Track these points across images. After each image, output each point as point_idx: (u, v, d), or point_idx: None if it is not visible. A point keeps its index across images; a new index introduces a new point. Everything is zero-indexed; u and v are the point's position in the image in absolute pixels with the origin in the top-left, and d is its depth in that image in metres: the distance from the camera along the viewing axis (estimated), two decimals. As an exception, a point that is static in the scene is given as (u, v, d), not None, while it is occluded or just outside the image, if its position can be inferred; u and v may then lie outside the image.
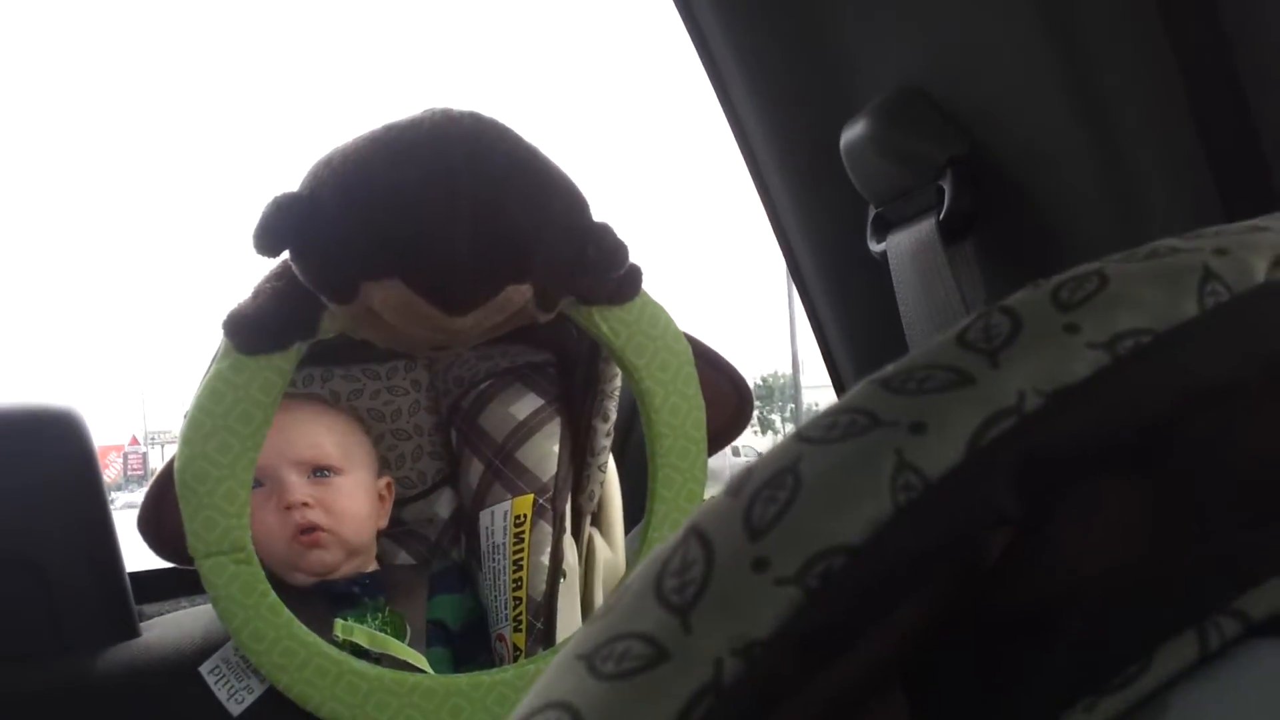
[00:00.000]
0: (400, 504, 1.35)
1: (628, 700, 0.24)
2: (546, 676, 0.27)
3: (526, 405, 1.29)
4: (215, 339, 1.11)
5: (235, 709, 1.09)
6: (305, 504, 1.20)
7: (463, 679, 1.11)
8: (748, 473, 0.27)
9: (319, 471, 1.22)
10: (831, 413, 0.27)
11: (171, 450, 1.18)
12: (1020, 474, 0.25)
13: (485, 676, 1.12)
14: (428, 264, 1.02)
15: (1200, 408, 0.26)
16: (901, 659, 0.25)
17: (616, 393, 1.28)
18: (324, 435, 1.25)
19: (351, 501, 1.23)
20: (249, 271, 1.13)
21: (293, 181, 1.07)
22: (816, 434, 0.27)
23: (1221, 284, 0.27)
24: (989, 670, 0.25)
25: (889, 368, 0.28)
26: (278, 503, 1.19)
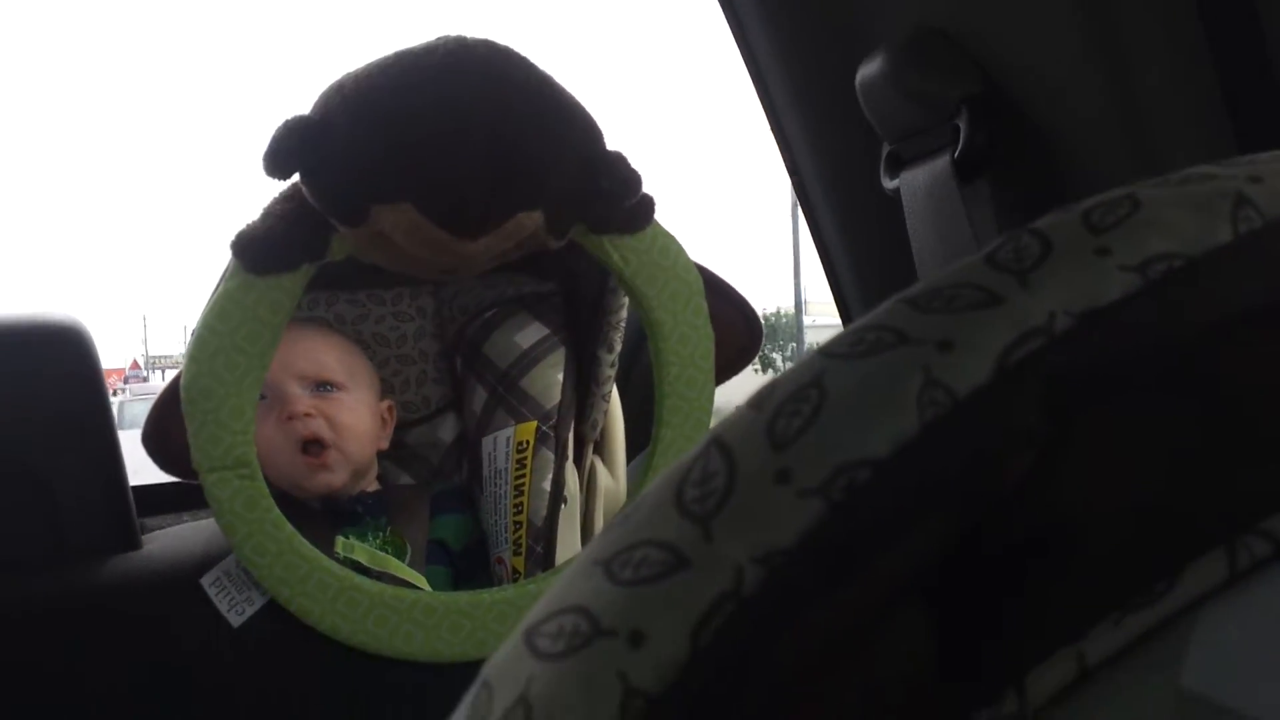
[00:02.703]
0: (403, 427, 1.35)
1: (646, 605, 0.24)
2: (562, 582, 0.27)
3: (531, 334, 1.30)
4: (221, 262, 1.11)
5: (236, 620, 1.10)
6: (308, 414, 1.20)
7: (463, 597, 1.12)
8: (771, 387, 0.27)
9: (322, 386, 1.23)
10: (857, 329, 0.27)
11: (173, 375, 1.18)
12: (1048, 394, 0.25)
13: (486, 595, 1.12)
14: (440, 188, 1.02)
15: (1231, 334, 0.26)
16: (923, 577, 0.25)
17: (622, 323, 1.28)
18: (326, 352, 1.26)
19: (354, 417, 1.24)
20: (254, 195, 1.13)
21: (304, 106, 1.07)
22: (842, 350, 0.26)
23: (1255, 210, 0.27)
24: (1013, 588, 0.25)
25: (916, 286, 0.27)
26: (280, 414, 1.20)
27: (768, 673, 0.24)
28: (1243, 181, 0.28)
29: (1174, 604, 0.23)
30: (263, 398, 1.16)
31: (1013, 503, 0.25)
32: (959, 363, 0.25)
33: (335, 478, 1.21)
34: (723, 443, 0.26)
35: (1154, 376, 0.26)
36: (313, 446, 1.20)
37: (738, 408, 0.27)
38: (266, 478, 1.10)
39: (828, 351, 0.27)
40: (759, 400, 0.27)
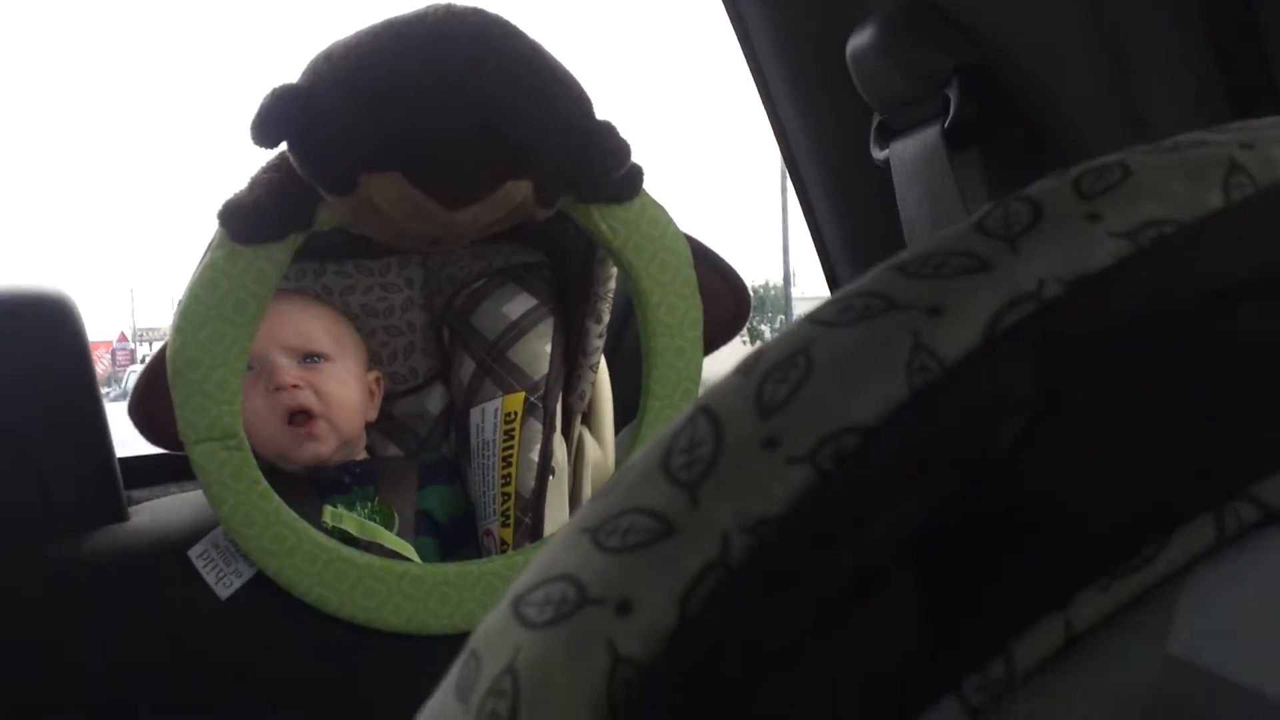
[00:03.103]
0: (391, 399, 1.35)
1: (633, 573, 0.24)
2: (550, 550, 0.26)
3: (519, 305, 1.29)
4: (208, 233, 1.11)
5: (223, 592, 1.10)
6: (295, 386, 1.20)
7: (451, 568, 1.12)
8: (758, 354, 0.27)
9: (309, 358, 1.23)
10: (846, 296, 0.27)
11: (160, 346, 1.17)
12: (1038, 360, 0.25)
13: (474, 566, 1.13)
14: (428, 157, 1.01)
15: (1221, 301, 0.26)
16: (910, 545, 0.25)
17: (610, 294, 1.28)
18: (313, 323, 1.26)
19: (342, 387, 1.23)
20: (241, 167, 1.13)
21: (292, 74, 1.06)
22: (830, 317, 0.26)
23: (1247, 177, 0.27)
24: (998, 554, 0.24)
25: (904, 253, 0.27)
26: (267, 385, 1.20)
27: (755, 641, 0.24)
28: (1234, 148, 0.27)
29: (1161, 570, 0.23)
30: (250, 368, 1.16)
31: (1001, 470, 0.25)
32: (948, 329, 0.25)
33: (323, 447, 1.21)
34: (710, 410, 0.26)
35: (1143, 343, 0.25)
36: (299, 417, 1.20)
37: (726, 374, 0.27)
38: (254, 449, 1.10)
39: (816, 318, 0.27)
40: (746, 367, 0.26)
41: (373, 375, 1.30)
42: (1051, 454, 0.25)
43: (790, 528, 0.24)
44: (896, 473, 0.24)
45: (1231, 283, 0.26)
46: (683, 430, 0.26)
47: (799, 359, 0.25)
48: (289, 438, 1.20)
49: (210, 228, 1.10)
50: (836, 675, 0.24)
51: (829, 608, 0.24)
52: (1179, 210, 0.26)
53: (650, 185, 1.15)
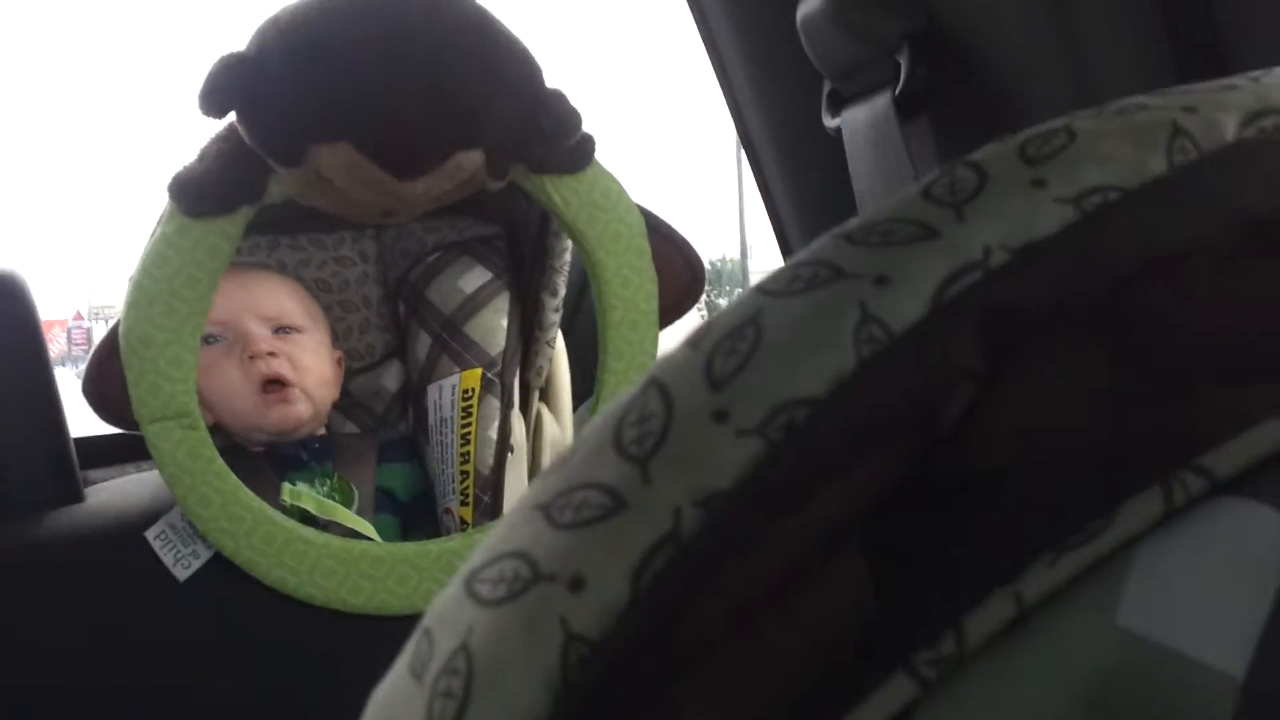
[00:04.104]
0: (348, 376, 1.34)
1: (586, 549, 0.24)
2: (503, 527, 0.26)
3: (474, 279, 1.29)
4: (162, 206, 1.09)
5: (181, 574, 1.09)
6: (271, 354, 1.19)
7: (410, 548, 1.12)
8: (707, 326, 0.26)
9: (283, 329, 1.22)
10: (793, 266, 0.27)
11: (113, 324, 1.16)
12: (985, 329, 0.25)
13: (433, 545, 1.12)
14: (378, 126, 1.01)
15: (1166, 268, 0.26)
16: (860, 520, 0.25)
17: (566, 267, 1.27)
18: (288, 296, 1.25)
19: (316, 358, 1.23)
20: (197, 137, 1.12)
21: (241, 42, 1.05)
22: (778, 287, 0.26)
23: (1190, 140, 0.27)
24: (948, 528, 0.24)
25: (851, 221, 0.27)
26: (241, 353, 1.19)
27: (708, 615, 0.24)
28: (1177, 111, 0.27)
29: (1110, 542, 0.23)
30: (217, 340, 1.15)
31: (949, 441, 0.25)
32: (895, 298, 0.25)
33: (298, 411, 1.20)
34: (660, 383, 0.26)
35: (1089, 312, 0.25)
36: (273, 385, 1.19)
37: (676, 346, 0.27)
38: (224, 422, 1.09)
39: (764, 288, 0.27)
40: (696, 339, 0.26)
41: (336, 353, 1.30)
42: (998, 425, 0.25)
43: (741, 501, 0.24)
44: (846, 445, 0.24)
45: (1176, 248, 0.26)
46: (634, 403, 0.26)
47: (748, 330, 0.25)
48: (262, 404, 1.19)
49: (163, 200, 1.09)
50: (788, 648, 0.24)
51: (780, 581, 0.24)
52: (1123, 176, 0.26)
53: (605, 161, 1.15)
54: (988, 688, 0.23)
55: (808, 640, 0.24)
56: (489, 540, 0.26)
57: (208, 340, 1.16)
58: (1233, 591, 0.22)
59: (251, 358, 1.19)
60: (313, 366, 1.22)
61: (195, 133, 1.11)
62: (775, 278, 0.27)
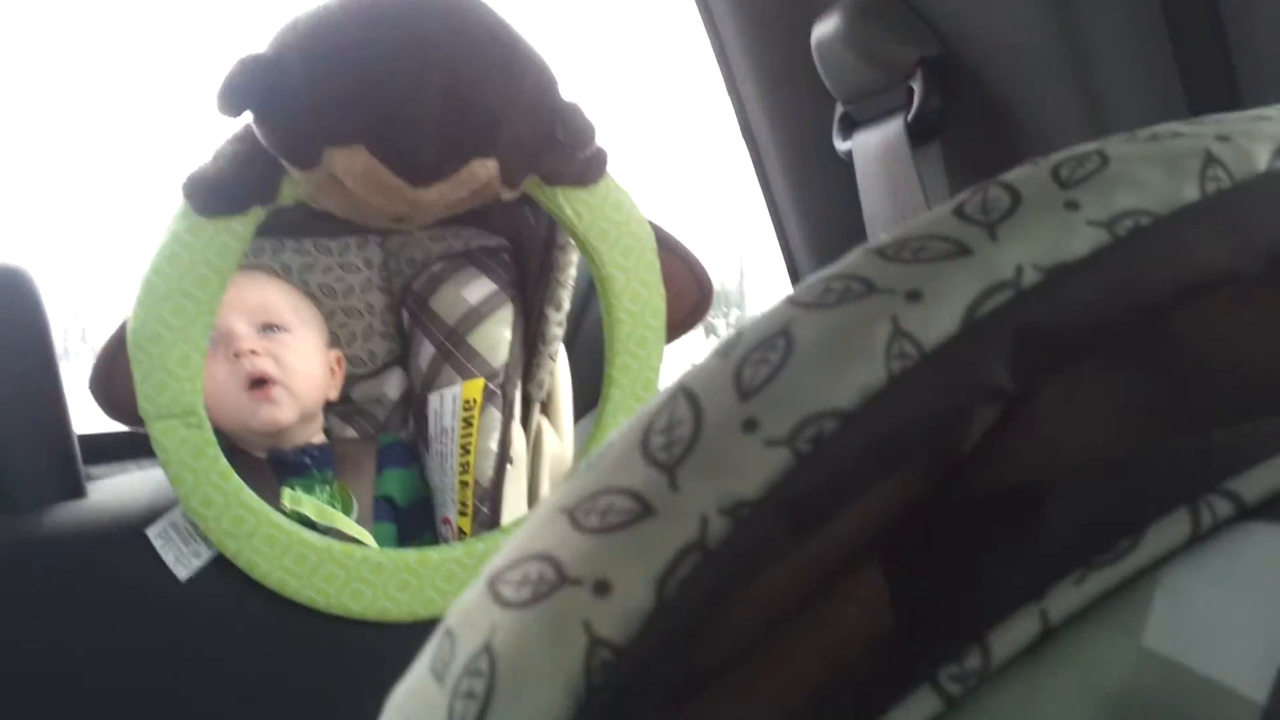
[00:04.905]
0: (349, 382, 1.34)
1: (612, 554, 0.24)
2: (527, 529, 0.26)
3: (479, 289, 1.29)
4: (172, 204, 1.09)
5: (182, 573, 1.09)
6: (254, 352, 1.19)
7: (411, 554, 1.12)
8: (737, 335, 0.27)
9: (269, 328, 1.22)
10: (825, 279, 0.27)
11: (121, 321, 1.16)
12: (1014, 348, 0.25)
13: (434, 553, 1.12)
14: (394, 131, 1.01)
15: (1197, 294, 0.26)
16: (883, 535, 0.25)
17: (570, 281, 1.27)
18: (273, 294, 1.25)
19: (301, 358, 1.23)
20: (206, 140, 1.11)
21: (260, 44, 1.05)
22: (810, 299, 0.26)
23: (1224, 169, 0.27)
24: (973, 546, 0.24)
25: (884, 237, 0.27)
26: (226, 351, 1.19)
27: (731, 625, 0.24)
28: (1210, 140, 0.28)
29: (1137, 563, 0.23)
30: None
31: (977, 457, 0.25)
32: (927, 314, 0.25)
33: (282, 413, 1.20)
34: (689, 390, 0.26)
35: (1120, 335, 0.25)
36: (258, 384, 1.19)
37: (705, 355, 0.27)
38: (214, 422, 1.09)
39: (796, 300, 0.27)
40: (726, 348, 0.26)
41: (334, 354, 1.30)
42: (1026, 443, 0.25)
43: (767, 511, 0.24)
44: (874, 458, 0.24)
45: (1207, 276, 0.26)
46: (661, 410, 0.26)
47: (779, 340, 0.25)
48: (248, 404, 1.19)
49: (175, 198, 1.08)
50: (812, 660, 0.24)
51: (803, 593, 0.24)
52: (1156, 201, 0.26)
53: (618, 176, 1.15)
54: (1011, 704, 0.23)
55: (833, 650, 0.24)
56: (513, 541, 0.26)
57: None
58: (1256, 616, 0.22)
59: (236, 356, 1.19)
60: (299, 366, 1.22)
61: (195, 133, 1.10)
62: (807, 290, 0.27)
